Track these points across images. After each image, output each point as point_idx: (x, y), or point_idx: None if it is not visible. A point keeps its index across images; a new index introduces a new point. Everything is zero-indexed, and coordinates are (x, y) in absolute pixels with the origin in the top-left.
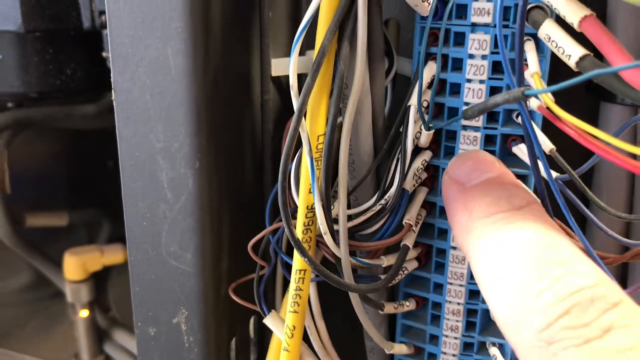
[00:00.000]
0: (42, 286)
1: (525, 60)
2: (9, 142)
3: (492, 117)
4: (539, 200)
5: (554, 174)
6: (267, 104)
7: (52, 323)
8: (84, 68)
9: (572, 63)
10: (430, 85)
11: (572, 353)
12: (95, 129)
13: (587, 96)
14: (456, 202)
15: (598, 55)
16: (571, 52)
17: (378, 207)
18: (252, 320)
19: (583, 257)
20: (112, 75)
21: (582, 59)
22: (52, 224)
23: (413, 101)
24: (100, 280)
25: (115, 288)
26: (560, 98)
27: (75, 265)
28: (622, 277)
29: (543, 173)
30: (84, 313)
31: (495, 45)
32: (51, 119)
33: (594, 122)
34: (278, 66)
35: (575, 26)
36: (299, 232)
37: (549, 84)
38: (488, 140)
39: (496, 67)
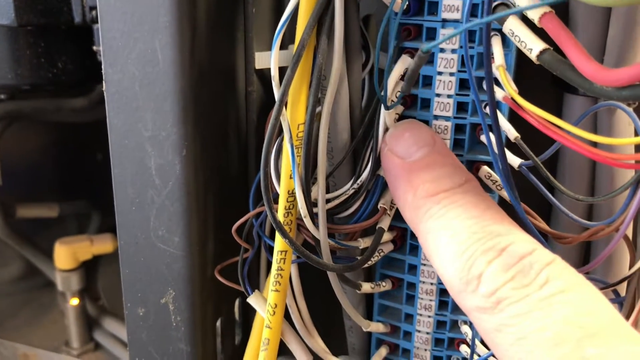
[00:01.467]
0: (32, 276)
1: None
2: None
3: (462, 107)
4: (472, 176)
5: (519, 160)
6: (251, 95)
7: (43, 312)
8: (75, 61)
9: (533, 56)
10: (403, 77)
11: (516, 306)
12: (84, 122)
13: (553, 89)
14: (399, 179)
15: (558, 50)
16: (532, 46)
17: (351, 190)
18: (237, 302)
19: (518, 228)
20: (103, 67)
21: (542, 52)
22: (42, 215)
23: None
24: (89, 270)
25: (104, 278)
26: (528, 91)
27: (66, 255)
28: (585, 258)
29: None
30: (74, 301)
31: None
32: (41, 112)
33: (559, 114)
34: (261, 59)
35: (536, 22)
36: (280, 216)
37: (517, 76)
38: (458, 129)
39: (464, 62)
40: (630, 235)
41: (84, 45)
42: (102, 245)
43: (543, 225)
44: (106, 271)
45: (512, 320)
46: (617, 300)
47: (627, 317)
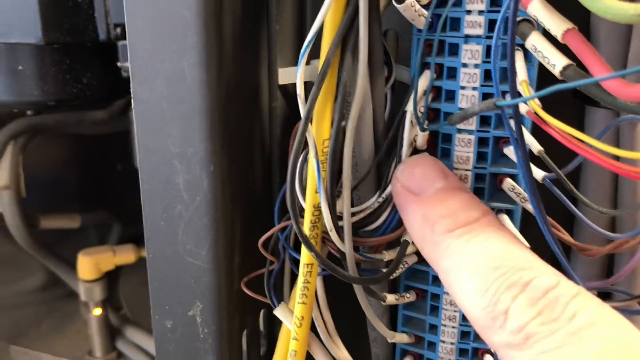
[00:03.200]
0: (55, 287)
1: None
2: (23, 148)
3: (485, 120)
4: (489, 209)
5: (543, 173)
6: (274, 111)
7: (65, 322)
8: (99, 77)
9: (556, 72)
10: (425, 92)
11: (546, 342)
12: (105, 134)
13: (575, 101)
14: (415, 214)
15: (580, 65)
16: (555, 62)
17: (377, 204)
18: (262, 314)
19: (539, 260)
20: (131, 85)
21: (565, 68)
22: (64, 226)
23: (409, 107)
24: (112, 280)
25: (126, 287)
26: (550, 103)
27: (89, 265)
28: (608, 270)
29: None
30: (97, 311)
31: (487, 55)
32: (63, 124)
33: (581, 126)
34: (285, 75)
35: (559, 38)
36: (306, 229)
37: (539, 89)
38: (481, 142)
39: (488, 75)
40: None
41: (107, 61)
42: (125, 255)
43: (567, 237)
44: (128, 281)
45: (542, 356)
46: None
47: None
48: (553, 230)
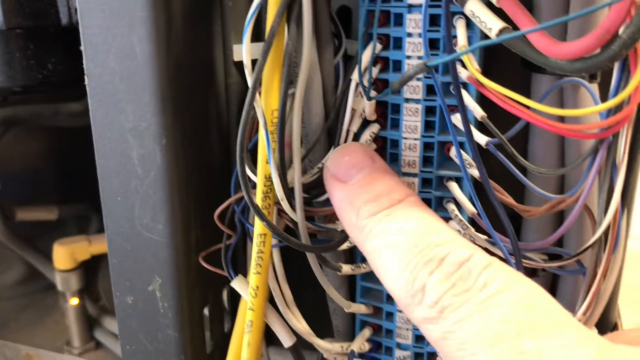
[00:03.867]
0: (34, 280)
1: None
2: None
3: (432, 90)
4: (412, 192)
5: (487, 138)
6: (230, 87)
7: (45, 314)
8: (65, 62)
9: (493, 35)
10: (374, 63)
11: (458, 312)
12: (81, 126)
13: (526, 73)
14: (342, 201)
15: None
16: (492, 26)
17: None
18: (225, 292)
19: (456, 234)
20: (84, 62)
21: (501, 31)
22: (41, 217)
23: (354, 76)
24: (90, 271)
25: (104, 279)
26: (501, 77)
27: (65, 255)
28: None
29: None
30: (74, 301)
31: (430, 24)
32: (38, 116)
33: (529, 95)
34: (239, 51)
35: (494, 2)
36: (258, 200)
37: (489, 61)
38: (429, 111)
39: (433, 44)
40: (595, 207)
41: (72, 46)
42: (101, 245)
43: (509, 200)
44: (106, 273)
45: (455, 326)
46: (581, 271)
47: (589, 287)
48: (497, 193)
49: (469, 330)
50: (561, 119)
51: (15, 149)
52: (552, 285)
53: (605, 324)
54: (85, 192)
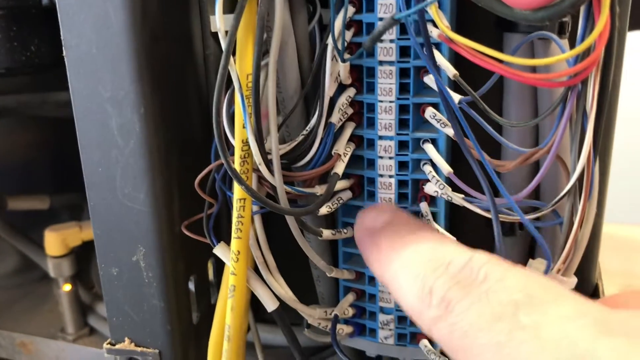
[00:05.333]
0: (28, 270)
1: None
2: None
3: (405, 52)
4: (430, 225)
5: (459, 97)
6: (208, 58)
7: (39, 303)
8: (47, 43)
9: None
10: (348, 27)
11: (461, 303)
12: (69, 117)
13: (497, 30)
14: (369, 245)
15: None
16: None
17: (301, 137)
18: (210, 263)
19: (458, 245)
20: (61, 33)
21: None
22: (33, 207)
23: (329, 40)
24: (83, 259)
25: (97, 267)
26: (474, 37)
27: (56, 241)
28: (536, 195)
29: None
30: (67, 287)
31: None
32: (25, 106)
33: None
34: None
35: None
36: (236, 165)
37: (462, 21)
38: (403, 74)
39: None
40: (569, 158)
41: (54, 27)
42: (91, 230)
43: (483, 155)
44: None
45: (459, 317)
46: (558, 221)
47: (567, 236)
48: (472, 151)
49: (470, 318)
50: (533, 71)
51: (5, 140)
52: (532, 244)
53: (587, 285)
54: (77, 182)
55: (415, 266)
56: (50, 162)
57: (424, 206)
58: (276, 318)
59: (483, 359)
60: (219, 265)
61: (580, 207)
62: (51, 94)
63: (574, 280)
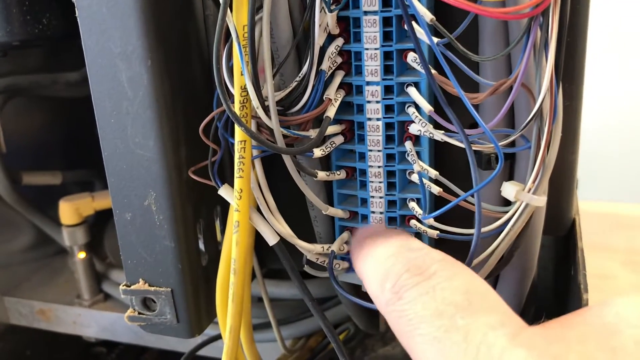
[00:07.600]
0: (44, 245)
1: None
2: (0, 108)
3: (387, 2)
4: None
5: (436, 39)
6: (208, 18)
7: (55, 275)
8: (59, 16)
9: None
10: None
11: (410, 292)
12: (79, 97)
13: None
14: (355, 246)
15: None
16: None
17: (294, 83)
18: (217, 210)
19: (418, 243)
20: None
21: None
22: (46, 182)
23: None
24: (97, 231)
25: (110, 239)
26: None
27: (70, 210)
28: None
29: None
30: (82, 255)
31: None
32: (37, 86)
33: None
34: None
35: None
36: (236, 109)
37: None
38: (386, 23)
39: None
40: (534, 86)
41: (64, 1)
42: (103, 200)
43: (452, 88)
44: (111, 233)
45: (407, 305)
46: (527, 146)
47: (535, 158)
48: (446, 87)
49: (417, 308)
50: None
51: (20, 118)
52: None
53: (564, 220)
54: (88, 159)
55: (380, 256)
56: (62, 140)
57: (408, 144)
58: (277, 250)
59: (420, 349)
60: (225, 213)
61: (545, 130)
62: (61, 74)
63: (543, 198)
